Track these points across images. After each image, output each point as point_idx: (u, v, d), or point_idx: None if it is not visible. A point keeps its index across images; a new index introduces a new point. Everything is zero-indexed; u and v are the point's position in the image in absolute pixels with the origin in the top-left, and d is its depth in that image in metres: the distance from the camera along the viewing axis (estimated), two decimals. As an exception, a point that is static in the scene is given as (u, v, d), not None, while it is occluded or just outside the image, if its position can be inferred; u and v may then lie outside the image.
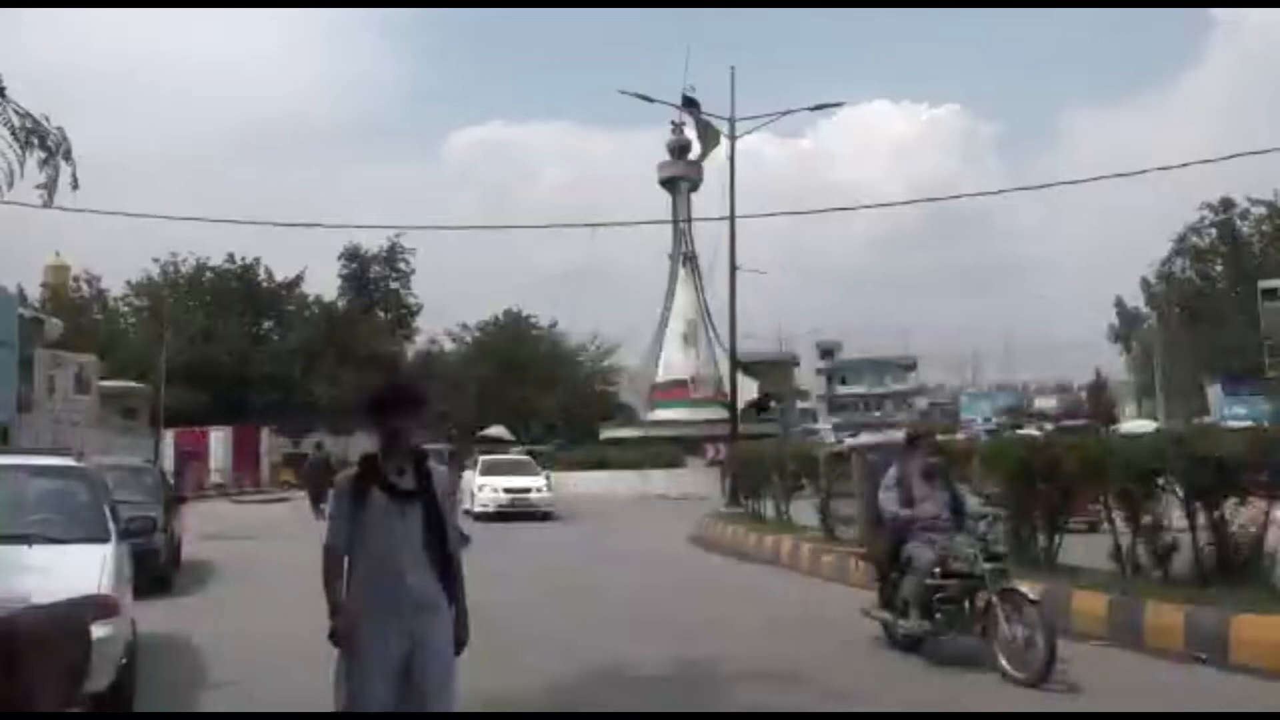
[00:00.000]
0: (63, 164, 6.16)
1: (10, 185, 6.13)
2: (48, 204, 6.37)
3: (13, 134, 5.96)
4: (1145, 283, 47.51)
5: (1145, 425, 22.35)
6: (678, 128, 46.53)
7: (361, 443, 47.88)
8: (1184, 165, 21.44)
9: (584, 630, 8.47)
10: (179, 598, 10.41)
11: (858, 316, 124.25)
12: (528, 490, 21.93)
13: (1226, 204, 43.90)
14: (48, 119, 6.10)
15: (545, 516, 21.49)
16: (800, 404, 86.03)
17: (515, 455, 26.92)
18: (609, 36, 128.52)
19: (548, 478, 24.01)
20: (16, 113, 5.95)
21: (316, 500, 24.76)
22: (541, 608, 9.81)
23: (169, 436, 39.13)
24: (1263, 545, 7.69)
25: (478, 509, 21.17)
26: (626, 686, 6.51)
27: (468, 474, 23.27)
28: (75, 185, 6.34)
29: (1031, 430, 27.95)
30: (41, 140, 6.03)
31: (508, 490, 21.64)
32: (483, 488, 21.75)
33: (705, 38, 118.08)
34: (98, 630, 3.85)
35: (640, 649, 7.49)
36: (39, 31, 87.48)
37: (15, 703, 1.48)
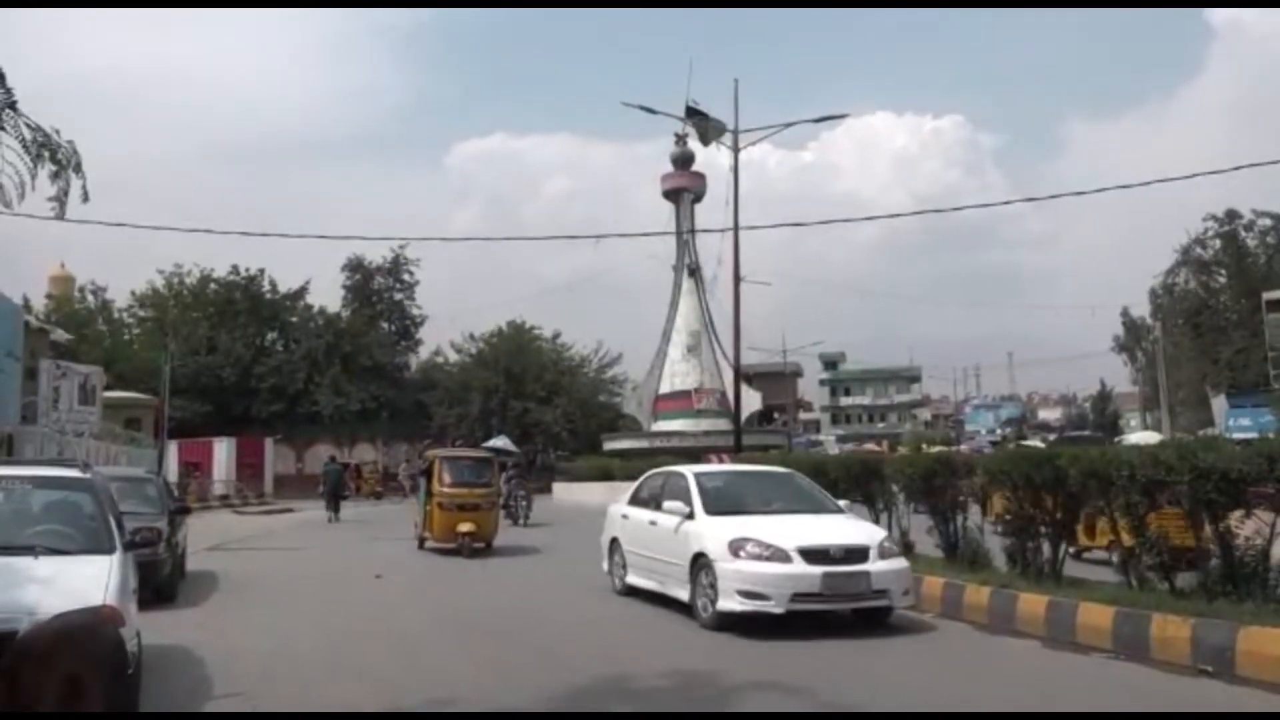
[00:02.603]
0: (73, 177, 6.23)
1: (22, 198, 6.19)
2: (59, 216, 6.45)
3: (24, 147, 6.02)
4: (1153, 294, 47.40)
5: (1150, 437, 22.28)
6: (681, 139, 46.70)
7: (365, 453, 48.13)
8: (1191, 176, 21.39)
9: (585, 640, 8.45)
10: (183, 609, 10.41)
11: (862, 327, 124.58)
12: (861, 552, 8.81)
13: (1231, 215, 43.87)
14: (58, 132, 6.17)
15: (888, 613, 8.99)
16: (803, 415, 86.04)
17: (766, 467, 12.96)
18: (611, 49, 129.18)
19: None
20: (28, 126, 6.01)
21: (334, 506, 26.77)
22: (544, 615, 9.80)
23: (173, 447, 39.22)
24: (1269, 558, 7.67)
25: (739, 603, 8.56)
26: (632, 695, 6.50)
27: (630, 511, 11.30)
28: (85, 198, 6.43)
29: (1036, 442, 27.94)
30: (52, 154, 6.09)
31: (813, 555, 8.63)
32: (739, 548, 8.76)
33: (708, 51, 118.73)
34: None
35: (644, 658, 7.49)
36: (42, 43, 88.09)
37: (62, 701, 1.52)
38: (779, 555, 8.57)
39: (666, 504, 10.12)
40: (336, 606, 10.82)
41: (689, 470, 10.75)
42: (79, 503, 6.43)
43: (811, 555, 8.55)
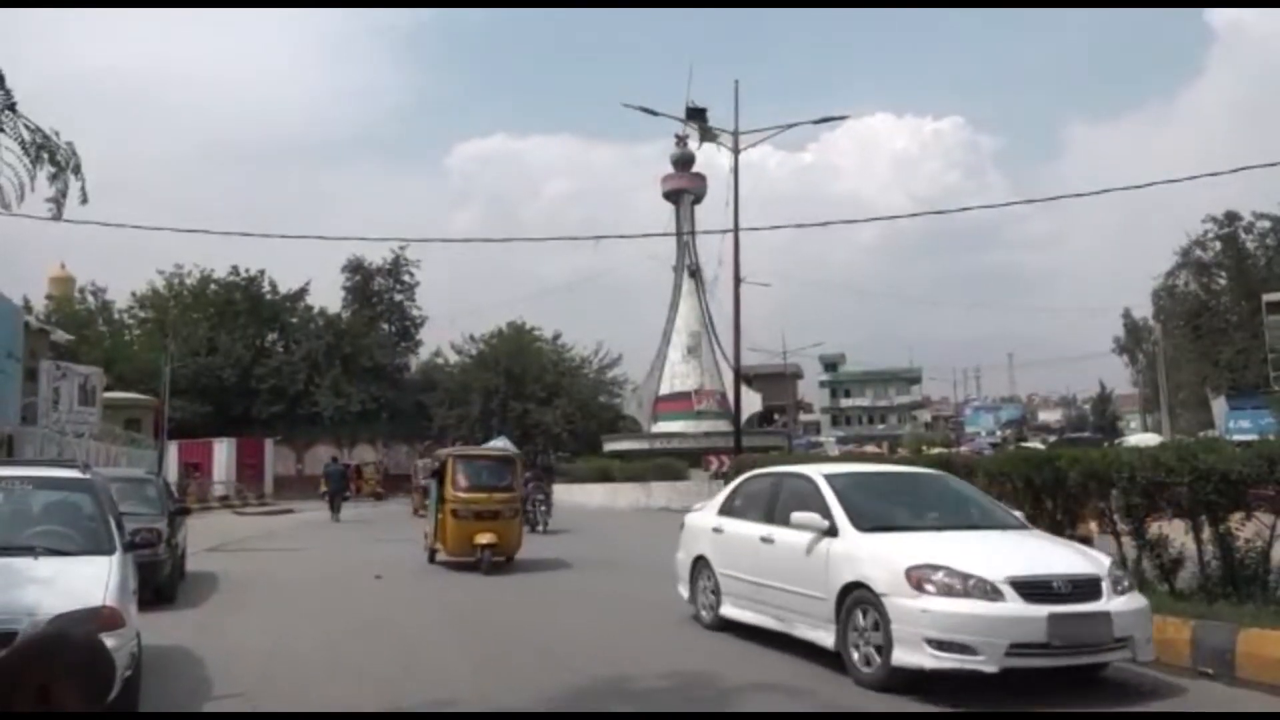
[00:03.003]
0: (71, 178, 6.25)
1: (21, 199, 6.21)
2: (57, 217, 6.47)
3: (23, 149, 6.04)
4: (1156, 295, 47.40)
5: (1150, 439, 22.30)
6: (681, 141, 46.79)
7: (365, 454, 48.13)
8: (1191, 178, 21.52)
9: (585, 644, 8.45)
10: (183, 610, 10.40)
11: (862, 328, 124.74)
12: (1091, 584, 6.36)
13: (1231, 217, 43.88)
14: (58, 134, 6.19)
15: (1103, 668, 6.63)
16: (803, 416, 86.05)
17: (905, 467, 10.83)
18: (611, 49, 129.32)
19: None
20: (27, 128, 6.03)
21: (334, 505, 27.28)
22: (543, 621, 9.81)
23: (173, 448, 39.23)
24: (1269, 559, 7.67)
25: (929, 657, 6.09)
26: (632, 697, 6.50)
27: (726, 523, 8.85)
28: (84, 199, 6.45)
29: (1036, 444, 27.98)
30: (51, 155, 6.11)
31: (1031, 589, 6.18)
32: (924, 579, 6.27)
33: (708, 52, 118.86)
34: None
35: (645, 660, 7.49)
36: (42, 43, 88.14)
37: (34, 711, 1.52)
38: (984, 589, 6.14)
39: (795, 516, 7.50)
40: (337, 607, 10.82)
41: (815, 471, 8.20)
42: (79, 503, 6.44)
43: (1029, 589, 6.15)
